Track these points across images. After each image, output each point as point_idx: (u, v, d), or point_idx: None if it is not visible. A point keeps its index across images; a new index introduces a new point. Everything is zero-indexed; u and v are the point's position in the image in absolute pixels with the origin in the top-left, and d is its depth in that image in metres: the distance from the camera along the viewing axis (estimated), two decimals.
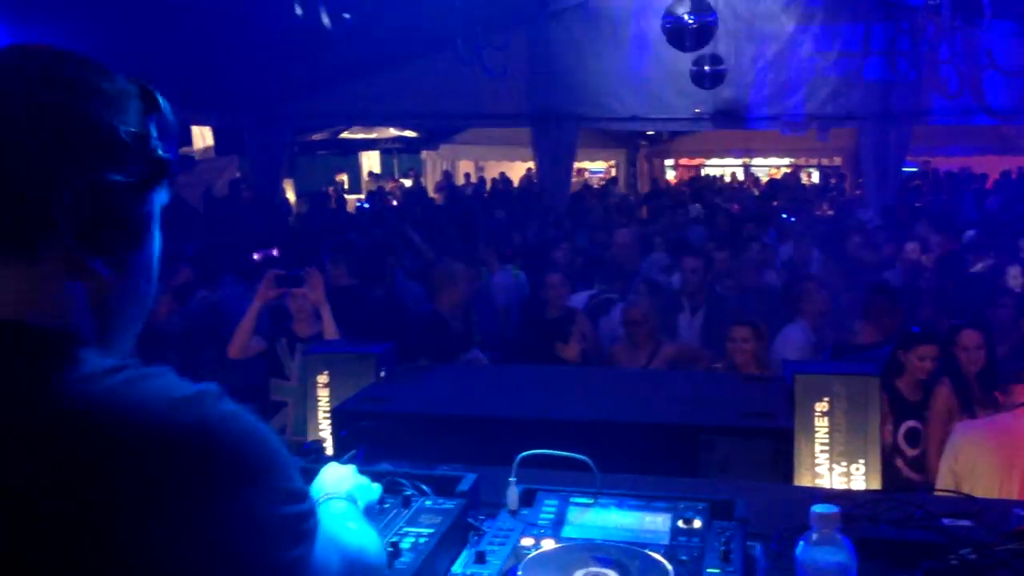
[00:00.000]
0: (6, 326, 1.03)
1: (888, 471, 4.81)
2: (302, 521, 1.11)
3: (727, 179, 24.73)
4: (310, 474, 1.68)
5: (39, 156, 1.03)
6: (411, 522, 1.89)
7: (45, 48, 1.10)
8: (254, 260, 8.43)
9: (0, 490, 0.93)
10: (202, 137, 17.38)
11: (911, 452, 5.19)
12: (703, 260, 7.43)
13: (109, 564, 0.93)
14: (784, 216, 13.18)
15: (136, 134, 1.10)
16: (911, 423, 5.22)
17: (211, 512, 0.98)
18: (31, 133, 1.03)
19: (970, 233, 10.41)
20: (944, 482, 4.23)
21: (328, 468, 1.76)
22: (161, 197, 1.17)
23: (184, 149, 13.75)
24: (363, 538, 1.41)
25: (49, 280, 1.06)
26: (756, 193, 19.92)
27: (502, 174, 22.74)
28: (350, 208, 17.99)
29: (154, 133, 1.13)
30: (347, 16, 9.33)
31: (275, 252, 9.09)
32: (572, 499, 2.09)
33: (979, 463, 4.13)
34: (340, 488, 1.67)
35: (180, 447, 0.97)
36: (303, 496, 1.12)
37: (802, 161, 24.89)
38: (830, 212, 15.22)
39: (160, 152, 1.13)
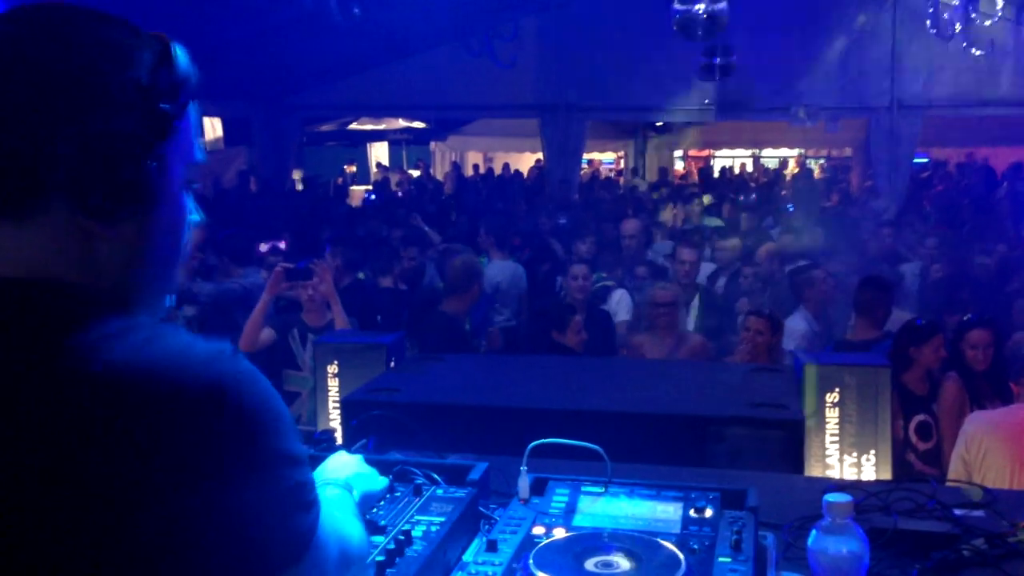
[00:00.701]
0: (19, 285, 1.02)
1: (900, 465, 4.80)
2: (310, 490, 1.11)
3: (736, 170, 24.66)
4: (319, 463, 1.68)
5: (28, 108, 1.01)
6: (422, 511, 1.89)
7: (46, 4, 1.08)
8: (260, 251, 8.42)
9: (19, 450, 0.92)
10: (212, 128, 17.39)
11: (923, 446, 5.17)
12: (699, 252, 7.40)
13: (126, 524, 0.93)
14: (789, 207, 13.12)
15: (138, 84, 1.06)
16: (921, 417, 5.20)
17: (229, 471, 0.98)
18: (19, 85, 1.01)
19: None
20: (956, 472, 4.22)
21: (334, 456, 1.76)
22: (180, 155, 1.13)
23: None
24: (349, 527, 1.38)
25: (60, 238, 1.04)
26: (762, 181, 19.88)
27: (506, 165, 22.69)
28: (355, 200, 17.92)
29: (164, 87, 1.09)
30: (356, 11, 9.31)
31: (282, 244, 9.09)
32: (583, 488, 2.09)
33: (990, 453, 4.12)
34: (339, 475, 1.65)
35: (199, 405, 0.97)
36: (308, 466, 1.12)
37: (811, 152, 24.80)
38: (837, 203, 15.17)
39: (163, 105, 1.09)
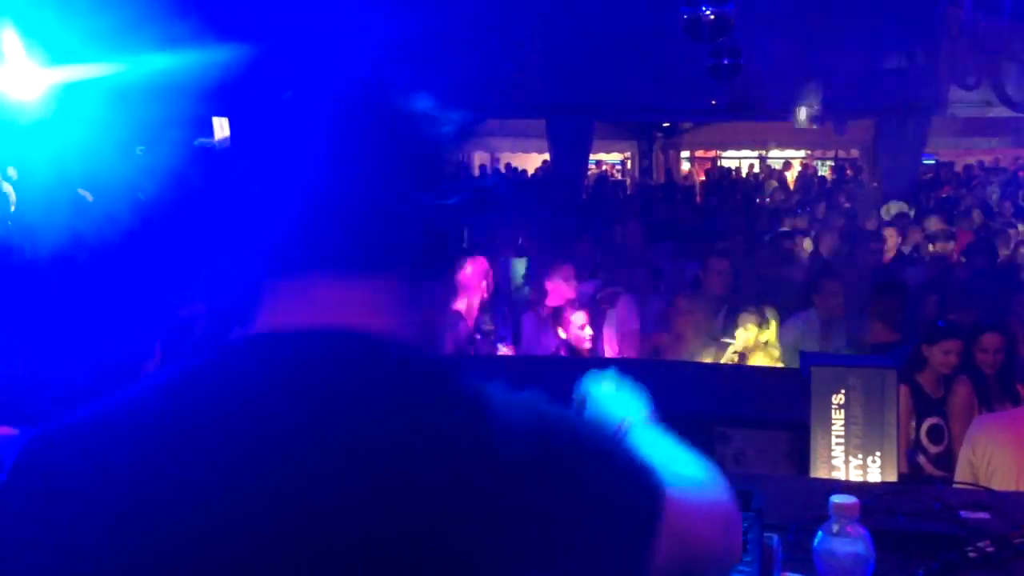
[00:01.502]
0: (376, 339, 1.03)
1: (911, 468, 4.79)
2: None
3: (744, 172, 24.65)
4: None
5: (393, 178, 1.06)
6: None
7: (380, 79, 1.13)
8: None
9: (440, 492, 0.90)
10: (220, 128, 17.43)
11: (934, 449, 5.16)
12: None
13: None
14: (799, 210, 13.11)
15: (457, 159, 1.16)
16: (933, 420, 5.19)
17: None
18: (386, 157, 1.07)
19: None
20: (962, 474, 4.21)
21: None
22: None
23: (203, 140, 13.84)
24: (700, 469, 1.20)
25: (396, 297, 1.07)
26: (775, 184, 19.85)
27: (508, 165, 22.69)
28: None
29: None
30: None
31: None
32: None
33: (995, 455, 4.11)
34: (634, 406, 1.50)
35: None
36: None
37: (819, 153, 24.77)
38: (847, 205, 15.16)
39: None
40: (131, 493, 0.90)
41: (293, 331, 1.01)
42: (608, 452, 1.02)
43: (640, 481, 1.01)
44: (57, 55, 7.78)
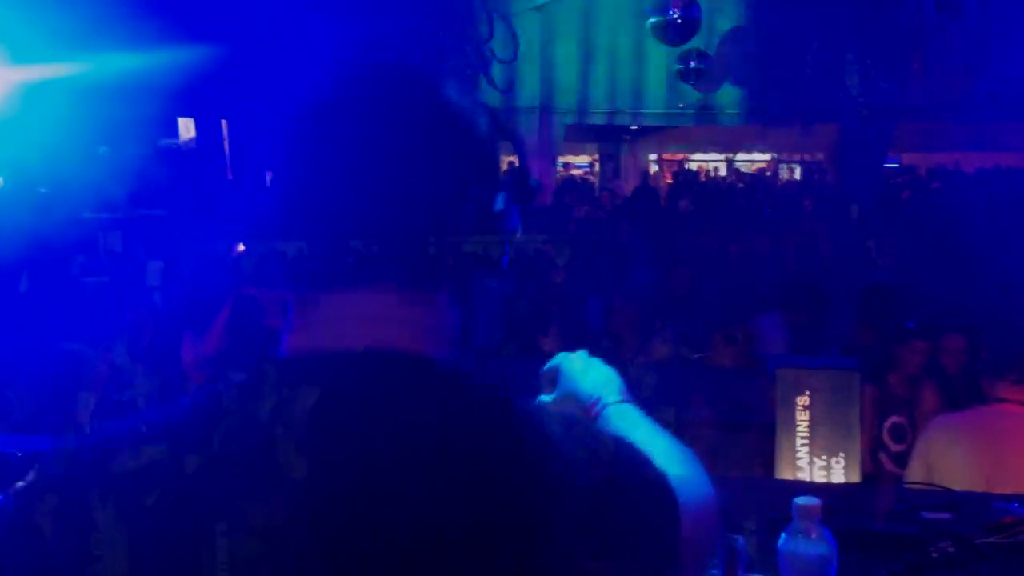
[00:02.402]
0: (430, 363, 0.98)
1: (873, 465, 4.83)
2: None
3: (711, 174, 24.79)
4: None
5: (448, 184, 0.99)
6: None
7: (423, 71, 1.05)
8: None
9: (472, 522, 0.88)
10: (186, 129, 17.30)
11: (896, 447, 5.21)
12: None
13: None
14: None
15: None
16: (896, 418, 5.24)
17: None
18: (439, 160, 0.99)
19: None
20: (915, 473, 4.23)
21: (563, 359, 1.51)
22: None
23: (167, 140, 13.73)
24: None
25: (443, 311, 1.02)
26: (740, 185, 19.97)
27: None
28: None
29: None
30: None
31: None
32: None
33: (948, 455, 4.13)
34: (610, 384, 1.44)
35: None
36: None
37: (784, 156, 24.96)
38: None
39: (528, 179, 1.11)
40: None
41: (349, 350, 0.96)
42: (644, 478, 1.01)
43: (667, 501, 1.01)
44: (20, 54, 7.68)
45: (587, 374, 1.45)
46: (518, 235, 1.09)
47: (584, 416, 1.02)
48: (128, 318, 5.81)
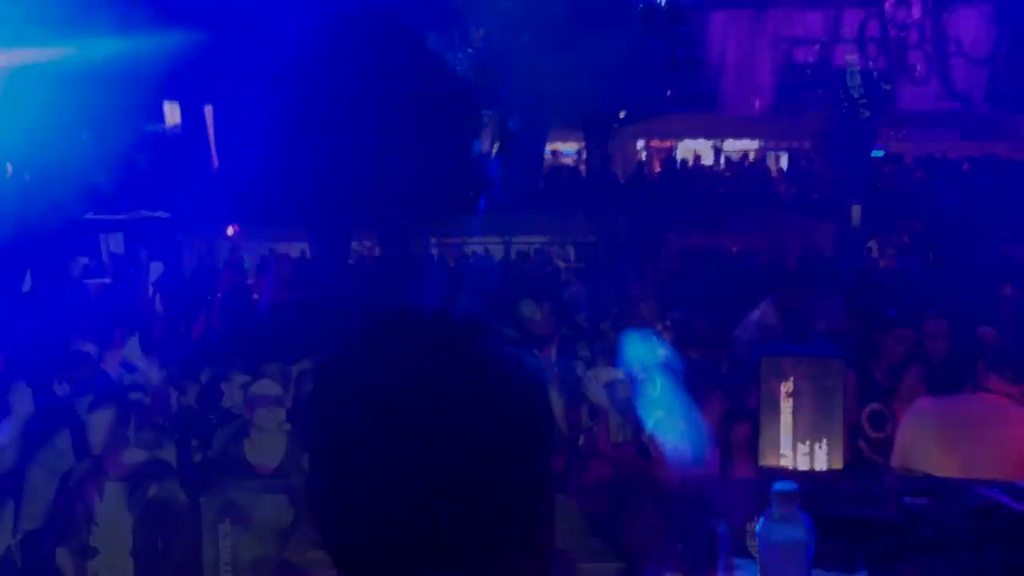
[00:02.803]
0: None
1: (851, 451, 4.85)
2: None
3: (700, 161, 24.71)
4: None
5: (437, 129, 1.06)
6: None
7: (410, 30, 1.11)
8: None
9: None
10: (171, 113, 17.20)
11: (874, 434, 5.23)
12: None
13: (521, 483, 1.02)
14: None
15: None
16: (876, 405, 5.26)
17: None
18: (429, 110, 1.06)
19: None
20: (897, 457, 4.25)
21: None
22: None
23: (153, 125, 13.65)
24: None
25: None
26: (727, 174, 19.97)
27: None
28: None
29: None
30: None
31: None
32: None
33: (922, 440, 4.14)
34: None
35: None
36: None
37: (771, 144, 24.91)
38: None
39: None
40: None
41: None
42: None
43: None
44: (3, 39, 7.62)
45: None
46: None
47: None
48: (133, 317, 5.93)
